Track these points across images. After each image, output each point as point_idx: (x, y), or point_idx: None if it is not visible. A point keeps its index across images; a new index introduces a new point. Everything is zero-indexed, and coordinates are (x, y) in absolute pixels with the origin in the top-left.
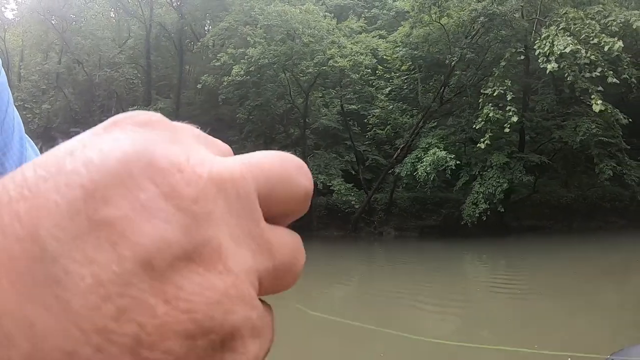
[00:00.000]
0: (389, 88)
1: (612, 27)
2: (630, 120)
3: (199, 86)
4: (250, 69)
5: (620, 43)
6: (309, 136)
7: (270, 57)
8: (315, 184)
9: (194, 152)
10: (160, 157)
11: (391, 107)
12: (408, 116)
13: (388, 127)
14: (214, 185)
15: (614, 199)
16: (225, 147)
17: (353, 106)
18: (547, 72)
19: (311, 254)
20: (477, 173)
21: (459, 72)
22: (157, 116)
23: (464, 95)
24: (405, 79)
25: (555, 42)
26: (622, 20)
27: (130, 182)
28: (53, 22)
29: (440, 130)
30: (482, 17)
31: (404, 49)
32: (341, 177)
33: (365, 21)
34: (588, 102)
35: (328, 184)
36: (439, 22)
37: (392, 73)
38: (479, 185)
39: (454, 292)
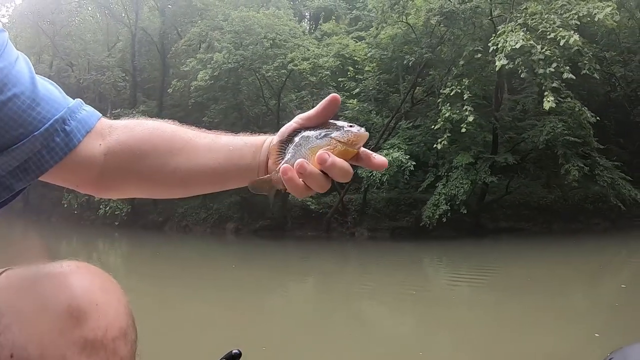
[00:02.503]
0: (357, 90)
1: (573, 21)
2: (598, 118)
3: (169, 90)
4: (215, 74)
5: (576, 37)
6: None
7: (233, 62)
8: None
9: None
10: None
11: (357, 108)
12: (382, 117)
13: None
14: None
15: (598, 200)
16: None
17: None
18: (497, 69)
19: (285, 252)
20: (443, 174)
21: (433, 73)
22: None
23: (433, 95)
24: (377, 80)
25: (508, 39)
26: (585, 12)
27: None
28: (43, 27)
29: (409, 130)
30: (438, 16)
31: (373, 50)
32: None
33: (346, 22)
34: (557, 100)
35: None
36: (407, 22)
37: (365, 74)
38: (442, 186)
39: (410, 294)
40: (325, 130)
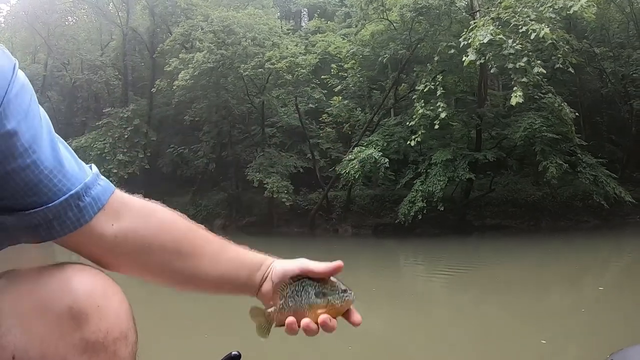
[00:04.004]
0: (339, 87)
1: (548, 14)
2: (577, 114)
3: (153, 90)
4: (196, 74)
5: (547, 30)
6: (275, 135)
7: (213, 62)
8: (252, 181)
9: None
10: None
11: (338, 104)
12: (365, 114)
13: (347, 125)
14: None
15: (587, 197)
16: None
17: (311, 105)
18: (465, 64)
19: (270, 249)
20: (422, 170)
21: (417, 69)
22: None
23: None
24: (359, 77)
25: (477, 33)
26: (561, 5)
27: None
28: (37, 27)
29: (390, 127)
30: (412, 12)
31: (355, 47)
32: (288, 175)
33: (341, 19)
34: (537, 96)
35: (264, 182)
36: (387, 19)
37: (349, 71)
38: (420, 183)
39: (379, 291)
40: (323, 287)
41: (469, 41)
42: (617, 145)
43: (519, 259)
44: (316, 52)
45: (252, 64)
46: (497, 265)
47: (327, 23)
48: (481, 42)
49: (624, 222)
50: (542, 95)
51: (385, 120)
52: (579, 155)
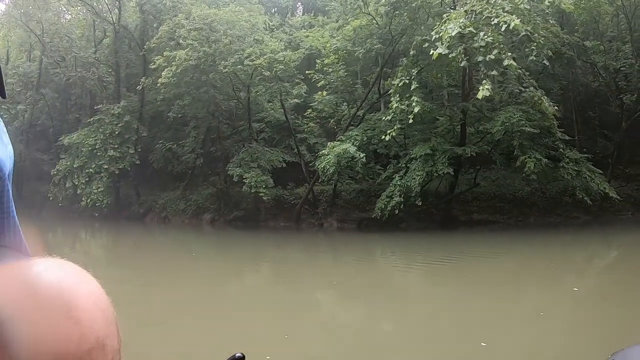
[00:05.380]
0: (322, 82)
1: (523, 5)
2: (556, 107)
3: (138, 88)
4: (178, 71)
5: (517, 21)
6: (264, 130)
7: (194, 59)
8: (232, 176)
9: None
10: None
11: (321, 99)
12: (349, 108)
13: (332, 120)
14: None
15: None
16: None
17: (296, 100)
18: (433, 57)
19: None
20: (402, 165)
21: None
22: None
23: None
24: (342, 72)
25: (447, 27)
26: None
27: None
28: (31, 26)
29: (372, 122)
30: (387, 6)
31: (337, 42)
32: (271, 170)
33: (325, 16)
34: (519, 90)
35: (243, 177)
36: (370, 14)
37: (333, 66)
38: (398, 178)
39: (358, 285)
40: None
41: (440, 34)
42: (610, 140)
43: (502, 254)
44: (304, 48)
45: (232, 60)
46: (480, 260)
47: (316, 18)
48: (450, 35)
49: (615, 218)
50: (522, 89)
51: (372, 114)
52: (561, 150)
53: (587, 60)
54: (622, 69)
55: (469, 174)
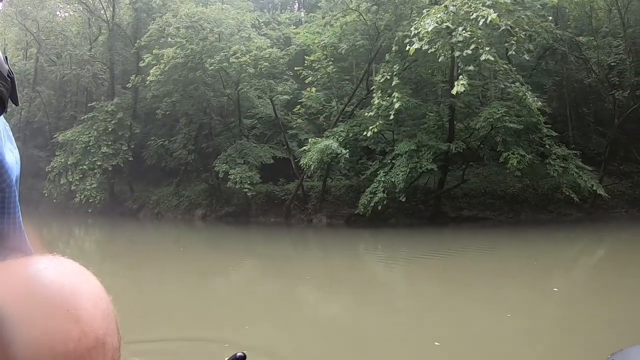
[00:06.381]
0: (309, 78)
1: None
2: (540, 103)
3: (128, 85)
4: (166, 69)
5: (493, 15)
6: (255, 126)
7: (182, 57)
8: (217, 172)
9: None
10: None
11: (309, 95)
12: (338, 104)
13: (322, 116)
14: None
15: (570, 189)
16: None
17: (286, 96)
18: (411, 53)
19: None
20: (388, 161)
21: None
22: None
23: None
24: (330, 68)
25: (424, 22)
26: None
27: None
28: (27, 24)
29: (358, 118)
30: (367, 3)
31: (326, 38)
32: (258, 166)
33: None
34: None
35: (228, 173)
36: (357, 10)
37: (321, 62)
38: (383, 174)
39: (343, 280)
40: None
41: (419, 30)
42: (605, 137)
43: (489, 251)
44: (295, 44)
45: (217, 58)
46: (465, 257)
47: (309, 14)
48: (426, 30)
49: (608, 215)
50: (508, 85)
51: (362, 110)
52: (547, 146)
53: (580, 56)
54: (613, 64)
55: (461, 170)
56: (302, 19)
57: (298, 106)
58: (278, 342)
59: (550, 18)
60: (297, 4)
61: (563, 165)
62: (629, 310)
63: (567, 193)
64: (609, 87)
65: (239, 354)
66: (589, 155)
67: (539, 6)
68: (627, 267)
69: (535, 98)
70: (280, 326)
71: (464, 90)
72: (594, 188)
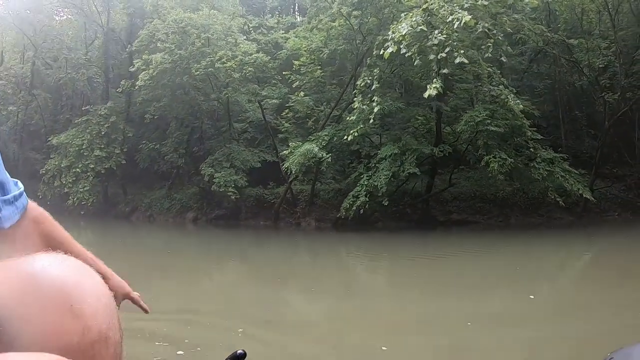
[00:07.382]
0: (297, 83)
1: (481, 2)
2: (522, 106)
3: (118, 90)
4: (154, 74)
5: (467, 17)
6: (247, 130)
7: (169, 62)
8: (203, 176)
9: None
10: None
11: (297, 100)
12: (325, 108)
13: (310, 120)
14: None
15: (560, 193)
16: None
17: (274, 100)
18: (385, 57)
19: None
20: (373, 165)
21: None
22: None
23: None
24: (317, 72)
25: (399, 26)
26: None
27: None
28: (23, 28)
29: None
30: (348, 7)
31: (312, 43)
32: (245, 170)
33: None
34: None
35: (213, 177)
36: (342, 13)
37: (308, 67)
38: (366, 178)
39: (314, 287)
40: None
41: (395, 34)
42: (597, 140)
43: (474, 255)
44: (286, 49)
45: (203, 63)
46: (451, 261)
47: (297, 19)
48: (401, 33)
49: (600, 219)
50: (492, 87)
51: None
52: (531, 149)
53: (571, 59)
54: (601, 66)
55: (450, 174)
56: (297, 23)
57: (287, 110)
58: (265, 344)
59: (534, 19)
60: (292, 9)
61: (548, 168)
62: (622, 314)
63: (553, 197)
64: (599, 89)
65: (239, 351)
66: (582, 158)
67: (529, 9)
68: (618, 271)
69: (518, 101)
70: (266, 328)
71: (437, 94)
72: (580, 192)
